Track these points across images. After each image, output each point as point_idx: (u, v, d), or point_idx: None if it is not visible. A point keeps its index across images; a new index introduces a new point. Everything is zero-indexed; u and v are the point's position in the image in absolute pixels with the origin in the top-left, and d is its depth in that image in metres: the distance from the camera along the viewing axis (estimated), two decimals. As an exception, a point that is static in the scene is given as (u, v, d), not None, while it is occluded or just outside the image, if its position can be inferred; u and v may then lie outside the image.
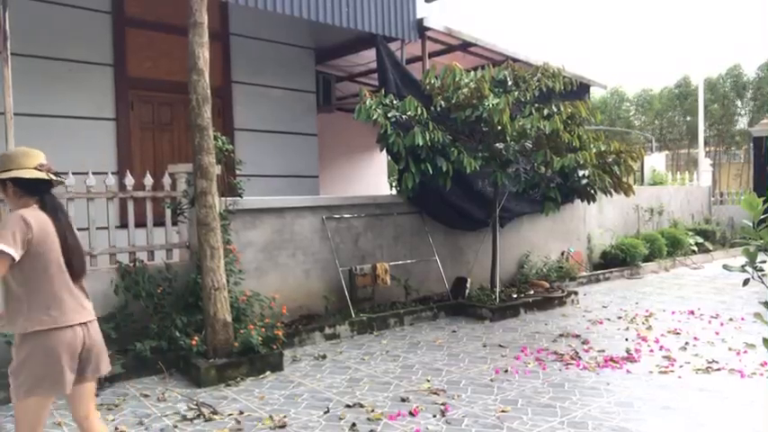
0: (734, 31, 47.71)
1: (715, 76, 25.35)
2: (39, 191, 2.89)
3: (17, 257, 2.71)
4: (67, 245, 2.90)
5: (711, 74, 24.90)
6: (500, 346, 6.11)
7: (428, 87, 7.57)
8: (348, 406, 4.43)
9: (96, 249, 5.61)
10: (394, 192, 9.29)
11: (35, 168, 2.86)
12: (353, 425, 4.05)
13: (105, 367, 3.03)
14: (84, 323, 2.90)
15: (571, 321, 7.24)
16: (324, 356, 5.80)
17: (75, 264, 2.92)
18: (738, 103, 25.89)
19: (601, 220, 11.41)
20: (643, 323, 7.04)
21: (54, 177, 2.93)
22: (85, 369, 2.93)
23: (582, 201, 7.93)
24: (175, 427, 4.11)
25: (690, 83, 27.03)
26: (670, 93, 27.81)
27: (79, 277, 2.95)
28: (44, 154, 2.96)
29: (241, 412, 4.35)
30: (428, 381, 5.00)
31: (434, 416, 4.22)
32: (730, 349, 5.82)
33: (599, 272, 10.46)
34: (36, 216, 2.82)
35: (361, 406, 4.42)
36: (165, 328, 5.38)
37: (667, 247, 11.78)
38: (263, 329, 5.45)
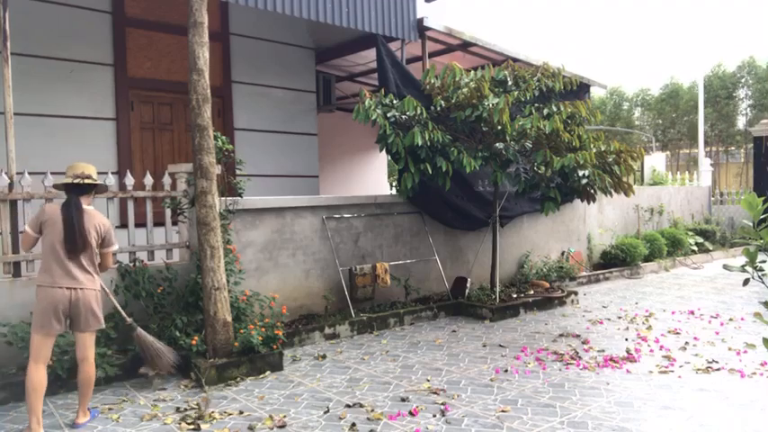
0: (716, 30, 47.60)
1: (702, 77, 25.29)
2: (68, 191, 4.12)
3: (33, 234, 4.03)
4: (67, 230, 3.96)
5: (700, 74, 24.87)
6: (500, 345, 6.12)
7: (428, 87, 7.57)
8: (348, 406, 4.44)
9: (96, 249, 5.60)
10: (394, 192, 9.29)
11: (70, 177, 4.09)
12: (353, 425, 4.06)
13: (94, 324, 4.07)
14: (74, 288, 3.95)
15: (571, 321, 7.24)
16: (324, 356, 5.80)
17: (71, 244, 3.96)
18: (731, 102, 25.82)
19: (601, 220, 11.41)
20: (643, 323, 7.04)
21: (81, 182, 4.08)
22: (77, 322, 4.01)
23: (582, 201, 7.93)
24: (175, 427, 4.11)
25: (678, 84, 26.98)
26: (660, 95, 27.81)
27: (74, 254, 3.97)
28: (86, 166, 4.17)
29: (241, 412, 4.35)
30: (428, 380, 5.00)
31: (434, 416, 4.22)
32: (730, 349, 5.83)
33: (599, 272, 10.46)
34: (52, 208, 4.07)
35: (361, 406, 4.43)
36: (165, 328, 5.38)
37: (667, 246, 11.77)
38: (263, 329, 5.45)
